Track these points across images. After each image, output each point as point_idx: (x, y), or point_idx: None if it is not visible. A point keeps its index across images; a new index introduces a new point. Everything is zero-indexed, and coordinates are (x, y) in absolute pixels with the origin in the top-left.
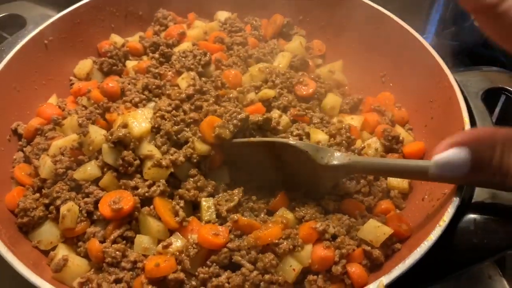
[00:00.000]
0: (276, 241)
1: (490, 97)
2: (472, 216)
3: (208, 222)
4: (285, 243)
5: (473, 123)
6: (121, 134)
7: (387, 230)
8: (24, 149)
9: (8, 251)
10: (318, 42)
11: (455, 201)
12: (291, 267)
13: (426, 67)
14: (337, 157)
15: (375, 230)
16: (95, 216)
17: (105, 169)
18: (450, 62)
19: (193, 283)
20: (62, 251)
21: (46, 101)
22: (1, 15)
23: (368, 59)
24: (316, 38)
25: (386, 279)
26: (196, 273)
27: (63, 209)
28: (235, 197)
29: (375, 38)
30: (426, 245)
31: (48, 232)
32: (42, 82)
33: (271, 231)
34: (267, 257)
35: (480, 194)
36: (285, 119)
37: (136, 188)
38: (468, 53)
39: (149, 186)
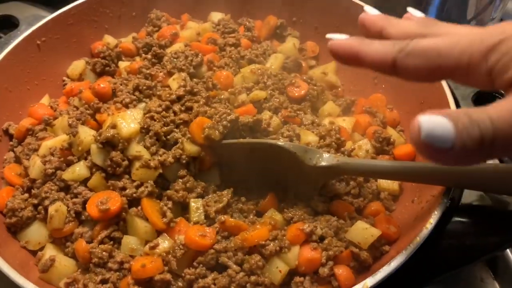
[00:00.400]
0: (263, 242)
1: (481, 99)
2: (460, 218)
3: (196, 223)
4: (271, 244)
5: None
6: (109, 134)
7: (375, 232)
8: (15, 149)
9: None
10: (311, 44)
11: (443, 203)
12: (278, 269)
13: None
14: (326, 159)
15: (363, 232)
16: (83, 216)
17: (94, 170)
18: None
19: (180, 284)
20: (49, 251)
21: (38, 101)
22: None
23: None
24: (310, 39)
25: (370, 281)
26: (183, 274)
27: (51, 210)
28: (224, 198)
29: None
30: (412, 247)
31: (36, 233)
32: (35, 83)
33: (258, 233)
34: (253, 258)
35: (468, 196)
36: (276, 120)
37: (124, 188)
38: None
39: (137, 187)
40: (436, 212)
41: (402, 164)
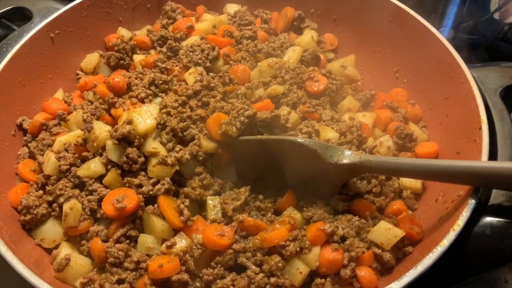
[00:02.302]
0: (283, 243)
1: (509, 94)
2: (488, 219)
3: (213, 221)
4: (292, 245)
5: (490, 121)
6: (125, 130)
7: (398, 233)
8: (29, 144)
9: (8, 250)
10: (330, 36)
11: (471, 204)
12: (298, 270)
13: (441, 63)
14: (347, 156)
15: (386, 233)
16: (98, 214)
17: (109, 166)
18: (467, 57)
19: (197, 284)
20: (65, 250)
21: (52, 95)
22: (7, 8)
23: (381, 53)
24: (328, 31)
25: (396, 285)
26: (200, 275)
27: (66, 207)
28: (242, 196)
29: (389, 32)
30: (439, 251)
31: (51, 230)
32: (48, 76)
33: (278, 233)
34: (273, 259)
35: (496, 196)
36: (294, 116)
37: (140, 186)
38: (486, 48)
39: (154, 184)
40: (464, 214)
41: (428, 162)
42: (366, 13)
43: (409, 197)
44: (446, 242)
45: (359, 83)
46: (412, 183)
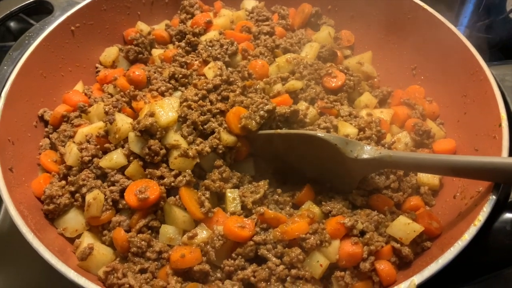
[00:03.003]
0: (303, 235)
1: None
2: (508, 215)
3: (233, 213)
4: (312, 238)
5: (510, 119)
6: (148, 123)
7: (417, 228)
8: (50, 135)
9: (35, 238)
10: (347, 33)
11: (492, 199)
12: (318, 263)
13: (460, 60)
14: (368, 151)
15: (405, 227)
16: (120, 205)
17: (131, 158)
18: (483, 55)
19: (218, 275)
20: (87, 239)
21: (72, 88)
22: (29, 1)
23: (398, 50)
24: (345, 28)
25: (417, 278)
26: (222, 266)
27: (89, 197)
28: (261, 189)
29: (406, 29)
30: (460, 245)
31: (73, 220)
32: (69, 69)
33: (298, 226)
34: (293, 251)
35: None
36: (312, 111)
37: (162, 177)
38: (501, 47)
39: (175, 176)
40: (484, 209)
41: (450, 158)
42: (383, 10)
43: (426, 193)
44: (467, 236)
45: (375, 80)
46: (429, 179)
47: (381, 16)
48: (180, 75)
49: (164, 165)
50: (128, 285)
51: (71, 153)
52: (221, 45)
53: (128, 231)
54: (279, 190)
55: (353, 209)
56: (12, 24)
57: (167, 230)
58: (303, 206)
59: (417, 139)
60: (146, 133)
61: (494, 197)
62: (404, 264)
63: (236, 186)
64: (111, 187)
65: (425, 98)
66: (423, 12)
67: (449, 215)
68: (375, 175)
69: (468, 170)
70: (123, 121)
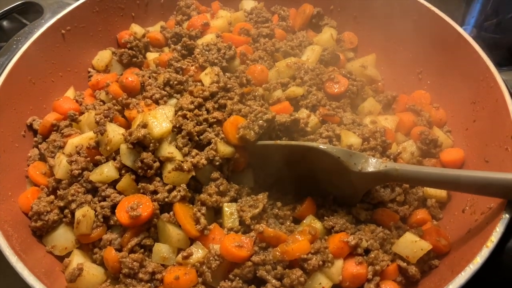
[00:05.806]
0: (305, 256)
1: None
2: None
3: (230, 229)
4: (314, 258)
5: None
6: (140, 134)
7: (425, 246)
8: (40, 146)
9: (18, 261)
10: (350, 34)
11: (505, 218)
12: (321, 285)
13: (469, 65)
14: (372, 164)
15: (412, 245)
16: (111, 221)
17: (123, 171)
18: (490, 56)
19: None
20: (77, 258)
21: (63, 94)
22: (18, 3)
23: (403, 53)
24: (348, 29)
25: None
26: (218, 287)
27: (78, 214)
28: (260, 203)
29: (412, 31)
30: (472, 269)
31: (62, 237)
32: (59, 74)
33: (300, 245)
34: (294, 273)
35: None
36: (313, 119)
37: (155, 192)
38: (509, 48)
39: (169, 191)
40: (497, 229)
41: (458, 173)
42: (388, 10)
43: (433, 206)
44: (479, 259)
45: (379, 84)
46: (437, 191)
47: (386, 17)
48: (176, 82)
49: (158, 178)
50: None
51: (61, 165)
52: (219, 50)
53: (119, 249)
54: (279, 204)
55: (357, 224)
56: (5, 23)
57: (160, 249)
58: (304, 221)
59: (424, 148)
60: (139, 145)
61: (507, 215)
62: (410, 284)
63: (234, 200)
64: (102, 203)
65: (432, 104)
66: (429, 14)
67: (457, 230)
68: (380, 188)
69: (479, 186)
70: (114, 132)
